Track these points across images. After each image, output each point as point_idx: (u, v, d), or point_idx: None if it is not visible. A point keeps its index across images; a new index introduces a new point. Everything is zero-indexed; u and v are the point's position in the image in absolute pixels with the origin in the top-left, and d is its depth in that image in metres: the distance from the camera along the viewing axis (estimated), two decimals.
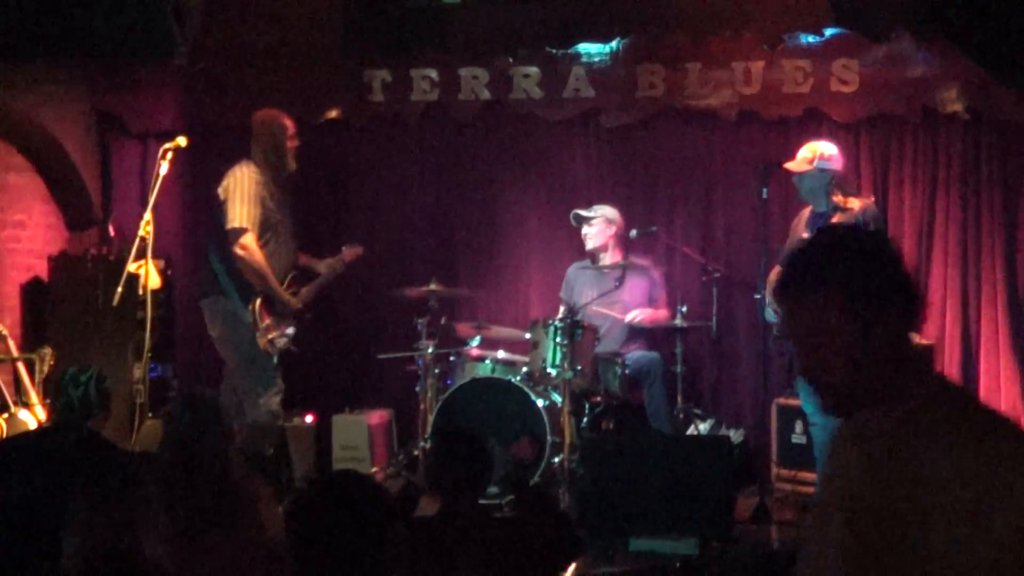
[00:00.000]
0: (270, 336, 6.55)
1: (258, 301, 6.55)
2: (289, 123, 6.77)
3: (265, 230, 6.55)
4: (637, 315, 7.34)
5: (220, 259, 6.58)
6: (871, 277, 2.09)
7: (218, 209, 6.58)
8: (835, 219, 6.37)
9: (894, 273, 2.11)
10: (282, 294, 6.62)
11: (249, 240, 6.45)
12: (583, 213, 7.47)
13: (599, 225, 7.45)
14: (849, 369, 2.07)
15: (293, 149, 6.76)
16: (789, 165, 6.56)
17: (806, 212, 6.63)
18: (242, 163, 6.64)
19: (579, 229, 7.54)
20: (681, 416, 7.19)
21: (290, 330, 6.65)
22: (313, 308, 6.95)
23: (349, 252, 7.17)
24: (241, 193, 6.49)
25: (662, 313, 7.42)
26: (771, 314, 6.58)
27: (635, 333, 7.43)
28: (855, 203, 6.40)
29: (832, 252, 2.12)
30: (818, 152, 6.46)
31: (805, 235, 6.52)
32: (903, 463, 1.98)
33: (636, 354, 7.25)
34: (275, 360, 6.63)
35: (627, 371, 7.10)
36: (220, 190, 6.58)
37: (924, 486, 1.93)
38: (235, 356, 6.64)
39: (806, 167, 6.46)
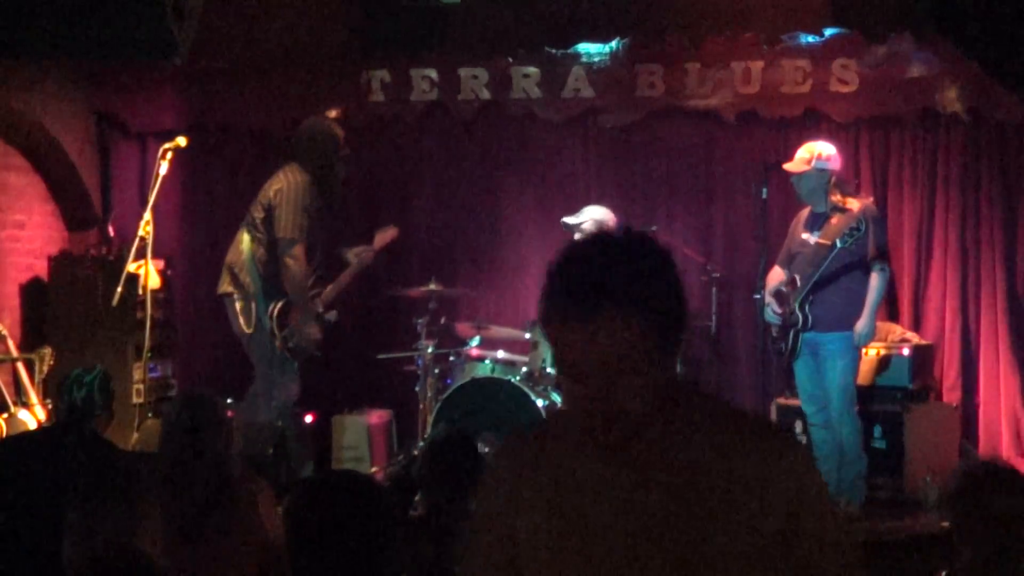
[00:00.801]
0: (291, 343, 6.62)
1: (278, 306, 6.60)
2: (340, 132, 6.83)
3: (306, 236, 6.63)
4: None
5: (258, 260, 6.64)
6: (663, 291, 1.89)
7: (266, 211, 6.61)
8: (834, 219, 6.37)
9: (678, 283, 1.93)
10: (308, 314, 6.65)
11: (299, 251, 6.55)
12: (571, 221, 7.35)
13: (589, 229, 7.38)
14: (647, 395, 1.89)
15: (343, 158, 6.82)
16: (787, 166, 6.56)
17: (805, 212, 6.63)
18: (293, 168, 6.69)
19: (571, 234, 7.50)
20: None
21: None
22: (338, 305, 7.00)
23: (380, 238, 7.19)
24: (295, 202, 6.55)
25: None
26: (771, 314, 6.58)
27: None
28: (854, 203, 6.40)
29: (620, 266, 1.87)
30: (815, 152, 6.45)
31: (804, 235, 6.53)
32: (690, 478, 1.92)
33: None
34: (295, 364, 6.70)
35: None
36: (272, 192, 6.63)
37: (721, 494, 1.91)
38: (257, 356, 6.72)
39: (804, 167, 6.46)
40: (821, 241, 6.37)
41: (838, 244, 6.20)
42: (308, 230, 6.63)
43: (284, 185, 6.62)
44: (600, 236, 1.94)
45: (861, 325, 6.34)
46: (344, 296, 7.36)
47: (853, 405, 6.42)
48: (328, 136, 6.80)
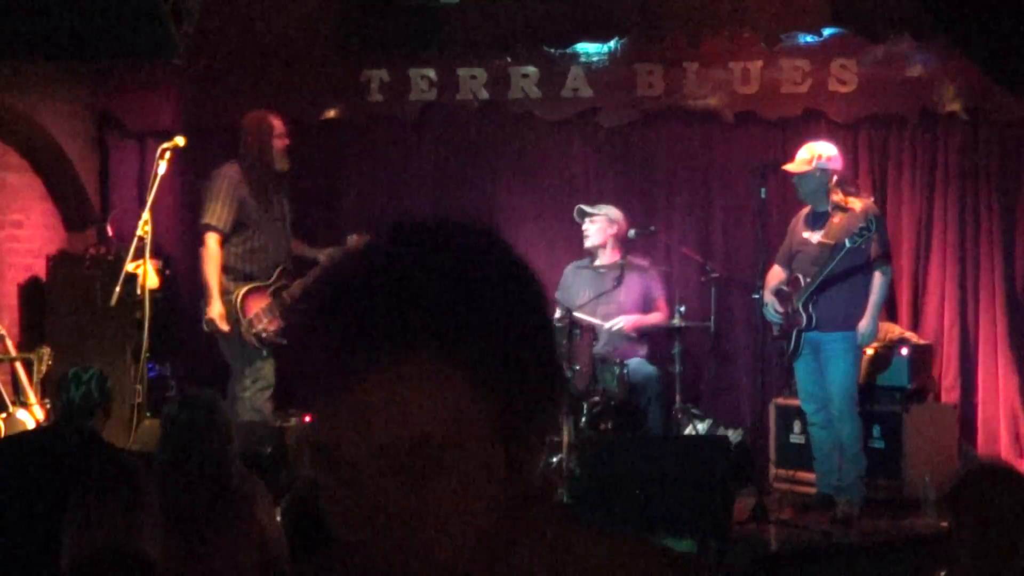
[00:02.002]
0: (254, 330, 6.57)
1: (241, 293, 6.57)
2: (277, 123, 6.80)
3: (245, 228, 6.62)
4: (618, 323, 7.25)
5: None
6: (524, 327, 1.11)
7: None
8: (836, 219, 6.37)
9: (545, 314, 1.16)
10: (212, 301, 6.55)
11: (210, 238, 6.58)
12: (587, 209, 7.42)
13: (600, 223, 7.39)
14: (478, 531, 1.07)
15: (282, 148, 6.79)
16: (788, 167, 6.55)
17: (805, 211, 6.63)
18: (228, 163, 6.73)
19: (579, 226, 7.49)
20: (679, 416, 7.18)
21: (275, 324, 6.64)
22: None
23: (354, 242, 7.16)
24: (214, 192, 6.62)
25: (653, 317, 7.36)
26: (771, 313, 6.57)
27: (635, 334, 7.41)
28: (856, 203, 6.39)
29: (447, 279, 1.08)
30: (816, 153, 6.45)
31: (805, 234, 6.52)
32: None
33: (635, 362, 7.18)
34: (265, 354, 6.63)
35: (626, 371, 7.07)
36: (204, 189, 6.71)
37: None
38: (225, 350, 6.71)
39: (805, 168, 6.45)
40: (824, 240, 6.36)
41: (848, 244, 6.19)
42: (243, 220, 6.60)
43: (210, 180, 6.69)
44: (405, 228, 1.14)
45: (864, 325, 6.34)
46: None
47: (855, 405, 6.42)
48: (259, 127, 6.78)
